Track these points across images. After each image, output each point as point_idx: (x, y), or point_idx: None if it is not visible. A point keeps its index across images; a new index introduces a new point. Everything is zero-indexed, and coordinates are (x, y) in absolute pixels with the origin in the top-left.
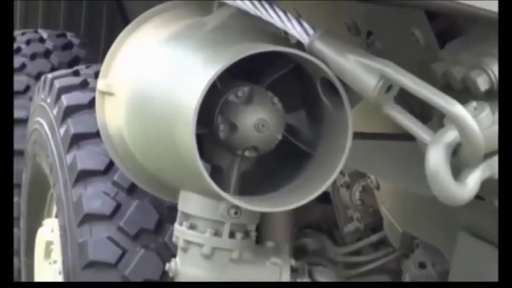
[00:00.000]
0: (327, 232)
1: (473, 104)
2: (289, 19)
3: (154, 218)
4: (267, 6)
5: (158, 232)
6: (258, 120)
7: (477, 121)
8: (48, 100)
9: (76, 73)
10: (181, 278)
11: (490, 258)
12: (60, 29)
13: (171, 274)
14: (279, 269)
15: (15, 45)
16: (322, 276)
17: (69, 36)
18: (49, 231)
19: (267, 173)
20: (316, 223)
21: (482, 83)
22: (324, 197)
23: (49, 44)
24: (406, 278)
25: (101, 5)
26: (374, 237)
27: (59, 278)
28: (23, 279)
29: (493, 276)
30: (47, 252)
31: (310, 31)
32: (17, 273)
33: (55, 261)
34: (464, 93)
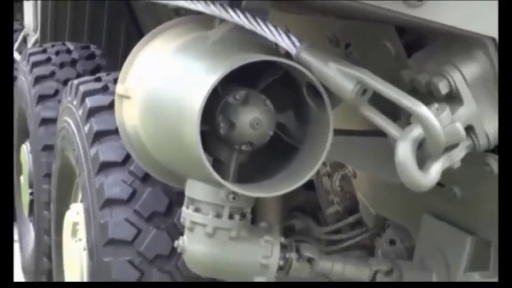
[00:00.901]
0: (311, 214)
1: (436, 105)
2: (279, 33)
3: (165, 202)
4: (260, 22)
5: (168, 214)
6: (253, 119)
7: (439, 120)
8: (75, 102)
9: (98, 79)
10: (188, 254)
11: (449, 237)
12: (85, 41)
13: (179, 250)
14: (270, 246)
15: (46, 56)
16: (307, 252)
17: (92, 48)
18: (75, 213)
19: (261, 164)
20: (302, 206)
21: (443, 87)
22: (309, 184)
23: (75, 55)
24: (379, 253)
25: (120, 22)
26: (351, 219)
27: (84, 254)
28: (53, 254)
29: (452, 251)
30: (73, 231)
31: (297, 43)
32: (48, 250)
33: (80, 239)
34: (428, 96)
